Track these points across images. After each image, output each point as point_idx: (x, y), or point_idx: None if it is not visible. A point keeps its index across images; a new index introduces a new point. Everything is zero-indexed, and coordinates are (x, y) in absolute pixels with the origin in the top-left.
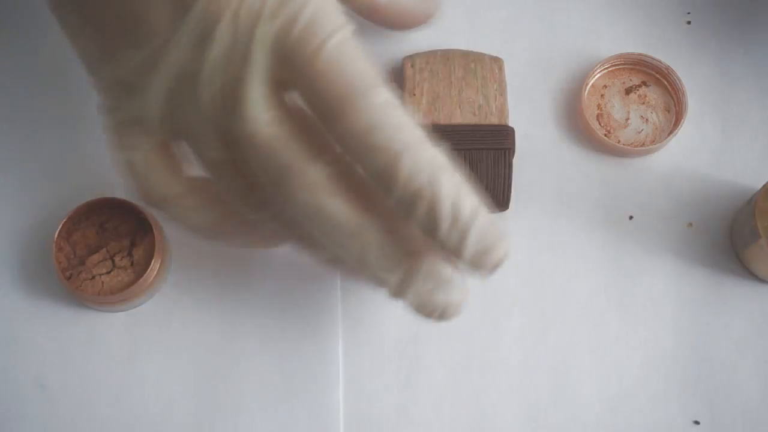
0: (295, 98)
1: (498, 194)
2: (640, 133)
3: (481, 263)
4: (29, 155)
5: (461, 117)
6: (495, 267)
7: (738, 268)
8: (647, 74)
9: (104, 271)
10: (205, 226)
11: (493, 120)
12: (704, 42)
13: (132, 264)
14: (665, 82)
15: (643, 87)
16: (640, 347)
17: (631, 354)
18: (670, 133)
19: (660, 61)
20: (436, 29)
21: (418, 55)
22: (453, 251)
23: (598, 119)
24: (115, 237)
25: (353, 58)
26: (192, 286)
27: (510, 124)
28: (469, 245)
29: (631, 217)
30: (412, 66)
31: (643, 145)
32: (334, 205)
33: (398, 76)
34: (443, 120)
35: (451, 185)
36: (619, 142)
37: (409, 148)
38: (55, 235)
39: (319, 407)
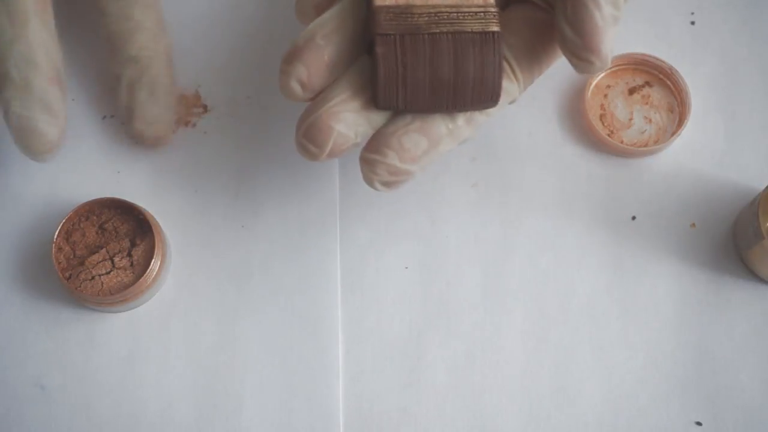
0: None
1: (487, 84)
2: (643, 133)
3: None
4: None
5: None
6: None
7: (741, 269)
8: (651, 74)
9: (104, 271)
10: None
11: (477, 0)
12: (708, 42)
13: (132, 264)
14: (669, 83)
15: (646, 87)
16: (642, 348)
17: (632, 354)
18: (674, 133)
19: (663, 62)
20: None
21: None
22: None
23: (601, 119)
24: (115, 237)
25: None
26: (192, 286)
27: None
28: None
29: (633, 218)
30: None
31: (646, 145)
32: None
33: None
34: (419, 0)
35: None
36: (622, 142)
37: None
38: (55, 235)
39: (319, 407)
